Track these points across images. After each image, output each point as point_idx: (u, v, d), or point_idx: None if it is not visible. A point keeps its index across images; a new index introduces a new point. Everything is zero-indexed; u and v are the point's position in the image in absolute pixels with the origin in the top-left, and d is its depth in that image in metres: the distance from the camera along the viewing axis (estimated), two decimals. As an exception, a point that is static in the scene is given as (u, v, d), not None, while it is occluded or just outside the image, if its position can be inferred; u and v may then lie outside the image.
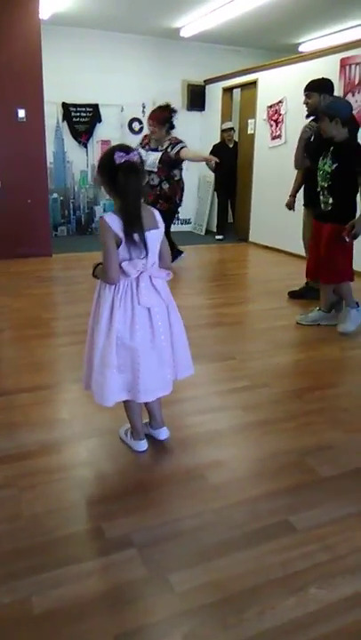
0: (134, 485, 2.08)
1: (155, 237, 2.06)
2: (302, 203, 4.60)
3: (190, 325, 3.92)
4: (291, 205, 4.79)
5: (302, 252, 4.78)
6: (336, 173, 3.62)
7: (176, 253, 5.59)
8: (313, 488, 2.09)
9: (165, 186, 5.16)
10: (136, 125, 7.97)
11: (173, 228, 8.50)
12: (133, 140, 7.92)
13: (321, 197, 3.80)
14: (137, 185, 1.95)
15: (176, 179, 5.28)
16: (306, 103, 4.30)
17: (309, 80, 4.32)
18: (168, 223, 5.44)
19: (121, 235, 1.96)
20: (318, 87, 4.24)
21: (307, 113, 4.36)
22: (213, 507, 1.95)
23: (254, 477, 2.15)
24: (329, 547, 1.76)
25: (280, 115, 6.67)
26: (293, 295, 4.72)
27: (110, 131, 7.73)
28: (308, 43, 7.72)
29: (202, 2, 6.05)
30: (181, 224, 8.67)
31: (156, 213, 2.10)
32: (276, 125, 6.77)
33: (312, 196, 4.33)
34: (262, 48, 8.08)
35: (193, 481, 2.10)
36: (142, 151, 5.07)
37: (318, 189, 3.80)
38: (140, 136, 5.72)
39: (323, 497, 2.03)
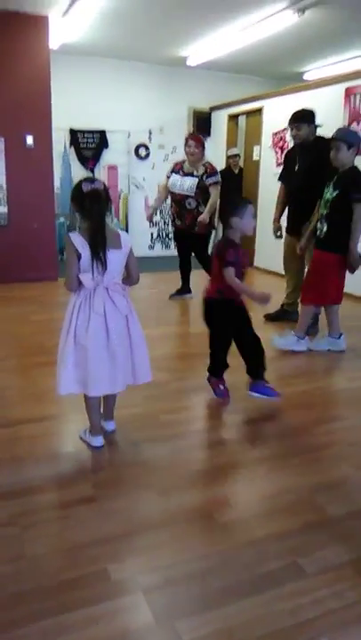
0: (140, 524, 2.04)
1: (115, 256, 2.34)
2: (285, 229, 4.68)
3: (195, 353, 3.94)
4: (277, 231, 4.76)
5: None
6: (336, 202, 3.67)
7: (185, 291, 5.67)
8: (322, 528, 2.04)
9: (202, 208, 5.20)
10: (142, 151, 8.06)
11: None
12: (140, 166, 8.06)
13: (318, 224, 3.86)
14: (100, 209, 2.28)
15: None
16: (295, 135, 4.34)
17: (296, 111, 4.35)
18: (206, 246, 5.52)
19: (80, 250, 2.27)
20: (307, 118, 4.29)
21: (295, 144, 4.44)
22: (221, 548, 1.90)
23: (262, 516, 2.10)
24: (339, 593, 1.71)
25: (285, 142, 6.73)
26: (269, 318, 4.80)
27: (117, 156, 7.82)
28: (313, 71, 7.83)
29: (208, 32, 6.15)
30: (187, 248, 8.71)
31: (123, 236, 2.39)
32: (282, 152, 6.82)
33: (295, 224, 4.40)
34: (267, 76, 8.20)
35: (200, 520, 2.06)
36: (176, 176, 5.21)
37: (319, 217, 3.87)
38: (171, 162, 5.75)
39: (332, 538, 1.99)
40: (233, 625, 1.58)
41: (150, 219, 5.89)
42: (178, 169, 5.31)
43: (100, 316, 2.35)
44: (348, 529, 2.04)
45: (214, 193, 5.17)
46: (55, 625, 1.57)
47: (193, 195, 5.16)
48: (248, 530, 2.01)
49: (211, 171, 5.18)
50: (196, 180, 5.13)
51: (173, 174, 5.28)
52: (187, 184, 5.16)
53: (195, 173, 5.17)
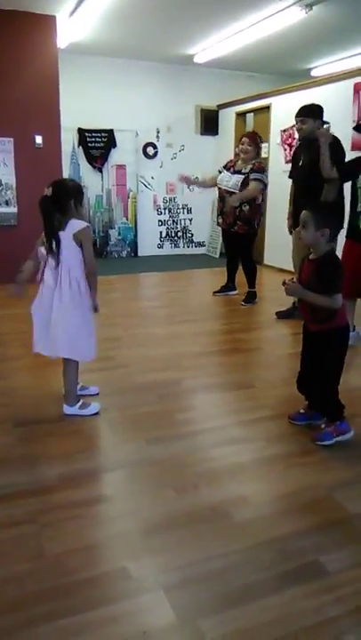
0: (159, 522, 2.02)
1: (61, 236, 2.82)
2: (291, 225, 4.66)
3: (206, 352, 3.92)
4: (291, 228, 4.72)
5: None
6: None
7: (251, 297, 5.50)
8: (342, 526, 2.02)
9: (245, 208, 5.15)
10: (150, 150, 8.06)
11: (188, 250, 8.59)
12: (148, 165, 8.05)
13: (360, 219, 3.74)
14: (45, 210, 2.90)
15: (257, 202, 5.23)
16: (300, 129, 4.37)
17: (303, 105, 4.40)
18: (248, 246, 5.46)
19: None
20: (313, 113, 4.31)
21: (299, 138, 4.49)
22: (240, 546, 1.89)
23: (281, 514, 2.08)
24: (362, 591, 1.70)
25: (294, 139, 6.68)
26: (281, 315, 4.81)
27: (125, 155, 7.81)
28: (321, 67, 7.79)
29: (215, 30, 6.13)
30: (195, 247, 8.70)
31: (70, 222, 2.81)
32: (290, 149, 6.79)
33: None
34: (275, 73, 8.16)
35: (218, 518, 2.04)
36: (225, 173, 5.26)
37: (359, 210, 3.76)
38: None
39: (353, 536, 1.97)
40: (256, 623, 1.56)
41: (184, 180, 5.58)
42: (230, 166, 5.36)
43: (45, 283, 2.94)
44: (369, 526, 2.02)
45: (252, 187, 5.08)
46: (74, 624, 1.56)
47: (236, 192, 5.14)
48: (267, 528, 1.99)
49: (258, 168, 5.15)
50: (242, 177, 5.13)
51: (225, 170, 5.35)
52: (232, 181, 5.19)
53: (243, 171, 5.18)
